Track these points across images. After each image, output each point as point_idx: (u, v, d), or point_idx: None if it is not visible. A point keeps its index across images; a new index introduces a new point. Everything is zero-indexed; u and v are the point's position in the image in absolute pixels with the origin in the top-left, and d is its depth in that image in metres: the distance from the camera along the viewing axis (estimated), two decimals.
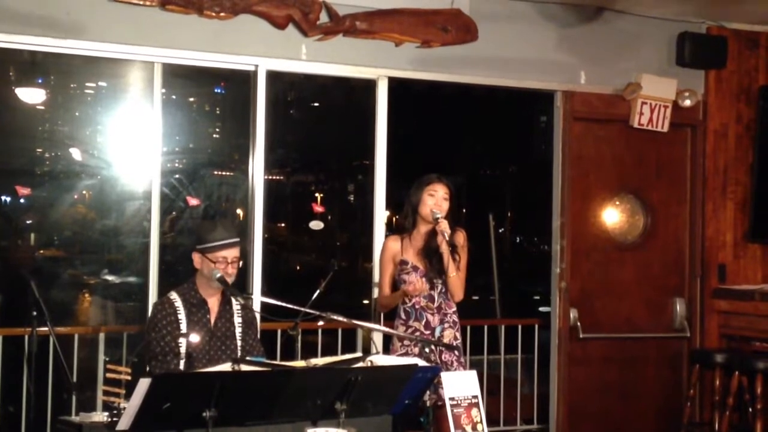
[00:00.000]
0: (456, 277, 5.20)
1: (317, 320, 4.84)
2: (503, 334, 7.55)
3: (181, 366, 4.42)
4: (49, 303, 4.74)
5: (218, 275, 4.48)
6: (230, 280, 4.56)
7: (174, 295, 4.55)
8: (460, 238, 5.27)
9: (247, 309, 4.69)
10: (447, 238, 5.08)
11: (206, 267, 4.53)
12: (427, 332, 5.18)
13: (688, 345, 7.27)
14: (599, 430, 7.02)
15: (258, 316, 4.92)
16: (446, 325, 5.22)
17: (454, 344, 5.21)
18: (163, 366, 4.41)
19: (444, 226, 5.09)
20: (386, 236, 5.48)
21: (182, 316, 4.47)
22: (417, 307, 5.22)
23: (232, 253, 4.57)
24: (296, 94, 9.31)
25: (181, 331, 4.45)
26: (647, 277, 7.21)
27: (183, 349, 4.43)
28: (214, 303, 4.60)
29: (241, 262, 4.68)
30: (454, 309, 5.28)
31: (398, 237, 5.33)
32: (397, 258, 5.28)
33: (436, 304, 5.23)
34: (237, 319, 4.63)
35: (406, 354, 5.13)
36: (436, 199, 5.21)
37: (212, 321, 4.57)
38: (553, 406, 6.91)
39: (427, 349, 4.87)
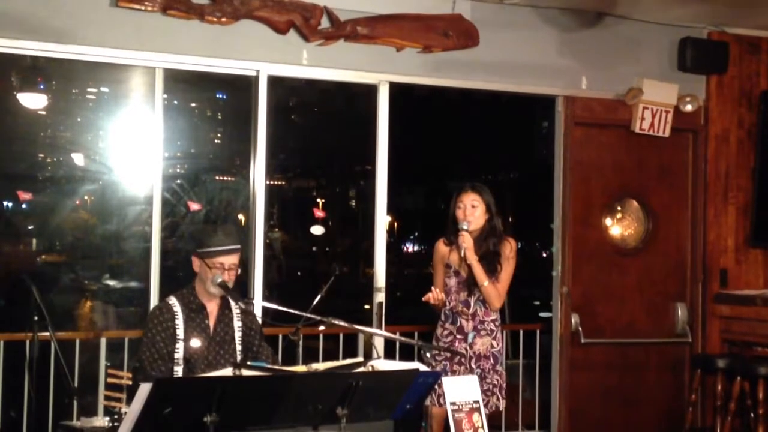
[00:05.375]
0: (490, 286, 5.27)
1: (319, 325, 4.83)
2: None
3: (179, 371, 4.40)
4: (51, 308, 4.72)
5: (219, 280, 4.47)
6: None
7: (173, 300, 4.54)
8: (507, 248, 5.39)
9: (248, 314, 4.67)
10: (462, 254, 5.25)
11: (204, 271, 4.52)
12: (460, 337, 5.29)
13: (689, 350, 7.25)
14: None
15: (259, 321, 4.91)
16: (482, 333, 5.29)
17: (491, 352, 5.27)
18: (152, 368, 4.38)
19: (464, 239, 5.24)
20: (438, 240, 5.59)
21: (180, 321, 4.45)
22: (454, 311, 5.33)
23: (231, 260, 4.54)
24: (297, 99, 9.31)
25: (179, 337, 4.44)
26: (649, 282, 7.20)
27: (180, 354, 4.41)
28: (213, 307, 4.58)
29: (239, 270, 4.64)
30: (494, 317, 5.34)
31: (449, 241, 5.44)
32: (445, 260, 5.41)
33: (471, 311, 5.31)
34: (236, 323, 4.62)
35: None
36: (462, 210, 5.36)
37: (211, 326, 4.55)
38: (554, 411, 6.90)
39: (428, 354, 4.86)
